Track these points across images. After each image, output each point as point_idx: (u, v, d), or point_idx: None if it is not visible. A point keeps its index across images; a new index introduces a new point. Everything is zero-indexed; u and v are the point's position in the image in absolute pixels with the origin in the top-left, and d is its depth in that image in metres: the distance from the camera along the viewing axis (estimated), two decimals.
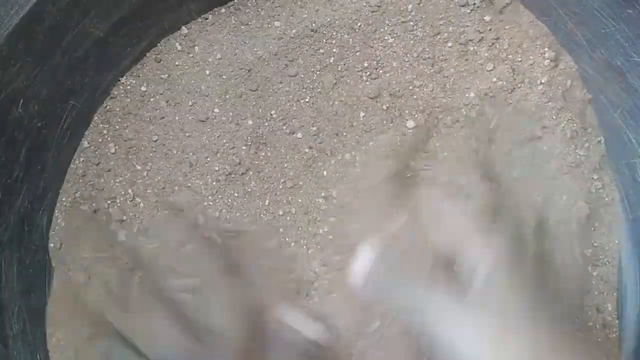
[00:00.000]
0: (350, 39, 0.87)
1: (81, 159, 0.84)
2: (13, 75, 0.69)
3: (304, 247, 0.82)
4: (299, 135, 0.86)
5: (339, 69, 0.87)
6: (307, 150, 0.85)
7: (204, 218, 0.82)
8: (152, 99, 0.86)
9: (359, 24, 0.88)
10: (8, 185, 0.73)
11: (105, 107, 0.86)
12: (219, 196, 0.84)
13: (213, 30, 0.88)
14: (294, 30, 0.87)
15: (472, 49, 0.89)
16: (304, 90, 0.87)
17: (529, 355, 0.58)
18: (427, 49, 0.88)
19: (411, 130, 0.85)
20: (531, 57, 0.88)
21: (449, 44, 0.88)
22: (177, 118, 0.86)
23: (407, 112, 0.86)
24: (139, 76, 0.87)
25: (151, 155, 0.85)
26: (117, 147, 0.85)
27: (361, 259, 0.70)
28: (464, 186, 0.78)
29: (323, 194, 0.84)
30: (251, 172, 0.86)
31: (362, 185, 0.81)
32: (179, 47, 0.88)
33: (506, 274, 0.65)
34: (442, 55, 0.88)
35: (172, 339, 0.73)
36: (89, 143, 0.85)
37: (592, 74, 0.86)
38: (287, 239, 0.83)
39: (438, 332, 0.64)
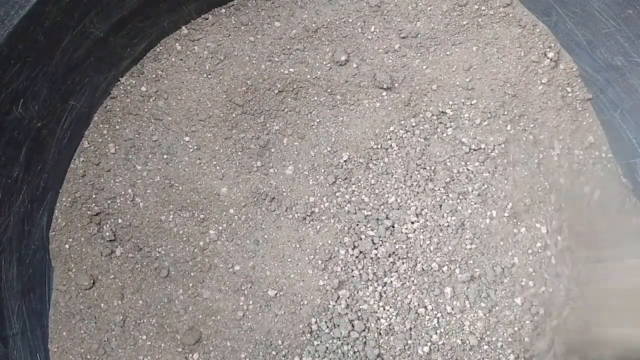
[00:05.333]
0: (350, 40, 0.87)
1: (81, 159, 0.84)
2: (13, 75, 0.69)
3: None
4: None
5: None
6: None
7: None
8: (152, 99, 0.86)
9: (359, 24, 0.88)
10: (8, 185, 0.73)
11: (105, 107, 0.86)
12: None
13: (213, 30, 0.88)
14: (294, 31, 0.87)
15: (472, 48, 0.89)
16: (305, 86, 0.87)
17: None
18: (427, 44, 0.88)
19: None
20: (531, 57, 0.88)
21: (449, 44, 0.89)
22: (177, 118, 0.86)
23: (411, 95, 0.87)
24: (139, 76, 0.87)
25: (151, 155, 0.85)
26: (117, 147, 0.85)
27: None
28: None
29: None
30: (259, 163, 0.86)
31: None
32: (179, 47, 0.88)
33: None
34: (442, 51, 0.89)
35: None
36: (89, 143, 0.85)
37: (592, 74, 0.86)
38: None
39: None
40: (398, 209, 0.84)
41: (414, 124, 0.87)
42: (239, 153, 0.86)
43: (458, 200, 0.84)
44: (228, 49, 0.87)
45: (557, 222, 0.84)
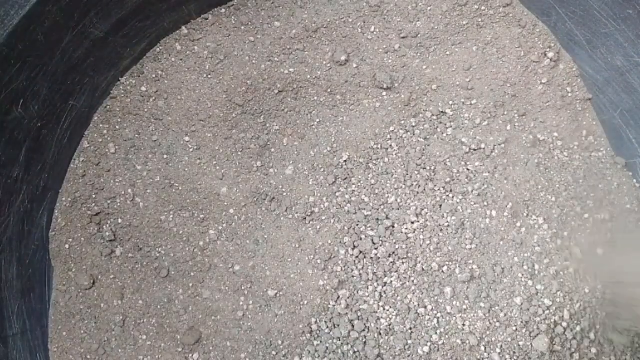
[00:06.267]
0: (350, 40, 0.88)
1: (81, 159, 0.84)
2: (13, 75, 0.69)
3: None
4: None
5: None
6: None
7: None
8: (152, 99, 0.86)
9: (359, 24, 0.88)
10: (8, 185, 0.73)
11: (105, 107, 0.86)
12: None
13: (213, 30, 0.88)
14: (294, 31, 0.87)
15: (472, 48, 0.89)
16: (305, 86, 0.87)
17: None
18: (427, 44, 0.89)
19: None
20: (531, 57, 0.88)
21: (449, 44, 0.89)
22: (177, 118, 0.86)
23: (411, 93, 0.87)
24: (139, 76, 0.87)
25: (151, 155, 0.85)
26: (117, 147, 0.85)
27: None
28: None
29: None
30: (259, 163, 0.86)
31: None
32: (179, 47, 0.88)
33: None
34: (443, 52, 0.89)
35: None
36: (89, 143, 0.85)
37: (592, 74, 0.86)
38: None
39: None
40: (398, 209, 0.84)
41: (414, 124, 0.87)
42: (239, 153, 0.86)
43: (458, 200, 0.84)
44: (228, 49, 0.87)
45: (557, 222, 0.84)
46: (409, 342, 0.78)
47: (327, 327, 0.79)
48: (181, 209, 0.84)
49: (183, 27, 0.88)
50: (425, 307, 0.80)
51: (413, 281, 0.81)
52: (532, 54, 0.88)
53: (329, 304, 0.80)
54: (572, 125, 0.88)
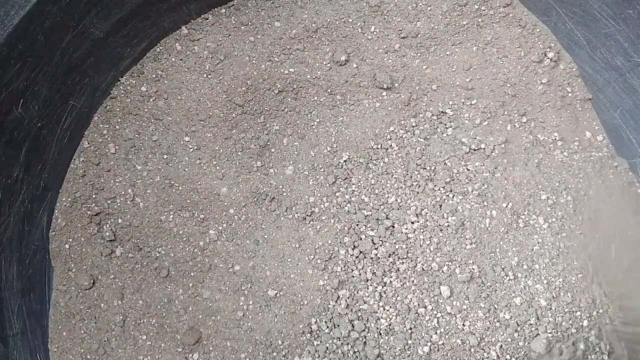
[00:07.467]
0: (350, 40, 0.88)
1: (81, 159, 0.84)
2: (13, 75, 0.69)
3: None
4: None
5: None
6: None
7: None
8: (152, 99, 0.86)
9: (359, 24, 0.88)
10: (8, 185, 0.73)
11: (105, 107, 0.86)
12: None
13: (213, 30, 0.88)
14: (294, 31, 0.87)
15: (472, 48, 0.89)
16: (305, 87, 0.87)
17: None
18: (427, 44, 0.89)
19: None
20: (531, 57, 0.88)
21: (449, 44, 0.89)
22: (177, 118, 0.86)
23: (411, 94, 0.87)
24: (139, 76, 0.87)
25: (151, 155, 0.85)
26: (117, 147, 0.85)
27: None
28: None
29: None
30: (259, 163, 0.86)
31: None
32: (179, 47, 0.88)
33: None
34: (443, 52, 0.89)
35: None
36: (89, 143, 0.85)
37: (592, 74, 0.86)
38: None
39: None
40: (398, 209, 0.84)
41: (414, 124, 0.87)
42: (239, 153, 0.86)
43: (458, 200, 0.84)
44: (228, 49, 0.87)
45: (557, 222, 0.84)
46: (409, 342, 0.78)
47: (327, 327, 0.79)
48: (181, 209, 0.84)
49: (183, 27, 0.88)
50: (425, 307, 0.80)
51: (413, 281, 0.81)
52: (532, 54, 0.88)
53: (329, 304, 0.80)
54: (572, 125, 0.88)
